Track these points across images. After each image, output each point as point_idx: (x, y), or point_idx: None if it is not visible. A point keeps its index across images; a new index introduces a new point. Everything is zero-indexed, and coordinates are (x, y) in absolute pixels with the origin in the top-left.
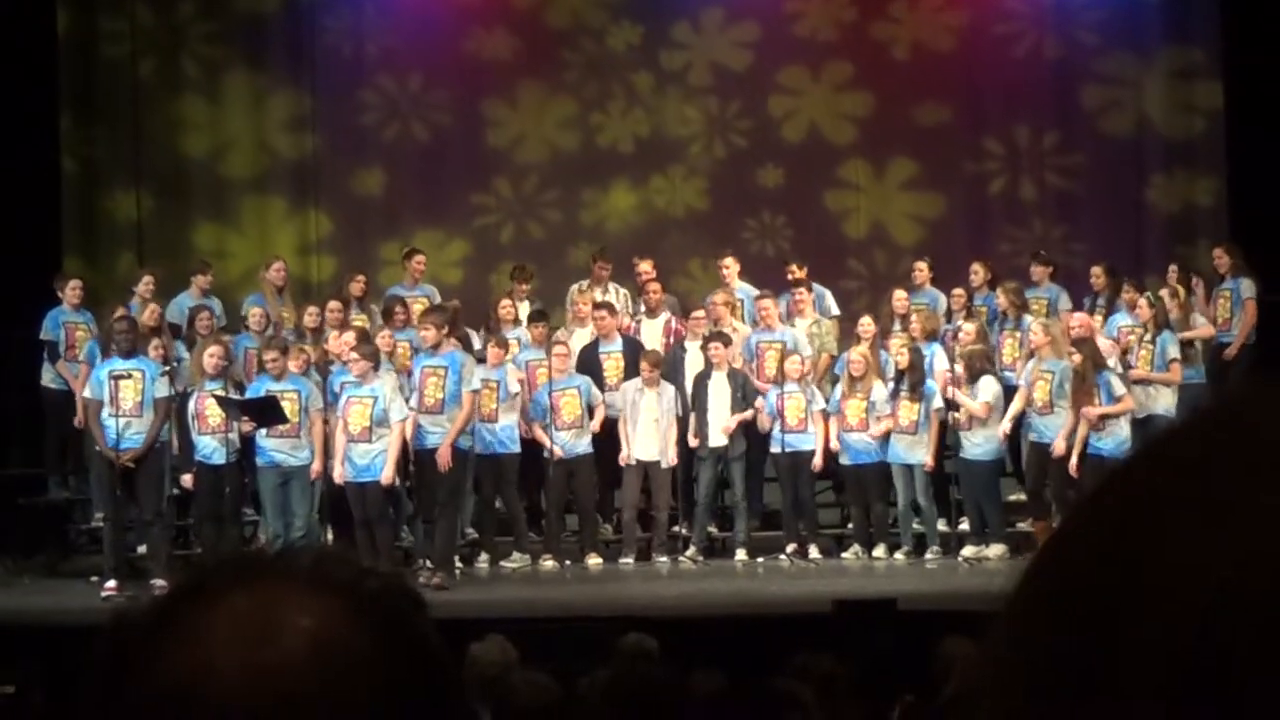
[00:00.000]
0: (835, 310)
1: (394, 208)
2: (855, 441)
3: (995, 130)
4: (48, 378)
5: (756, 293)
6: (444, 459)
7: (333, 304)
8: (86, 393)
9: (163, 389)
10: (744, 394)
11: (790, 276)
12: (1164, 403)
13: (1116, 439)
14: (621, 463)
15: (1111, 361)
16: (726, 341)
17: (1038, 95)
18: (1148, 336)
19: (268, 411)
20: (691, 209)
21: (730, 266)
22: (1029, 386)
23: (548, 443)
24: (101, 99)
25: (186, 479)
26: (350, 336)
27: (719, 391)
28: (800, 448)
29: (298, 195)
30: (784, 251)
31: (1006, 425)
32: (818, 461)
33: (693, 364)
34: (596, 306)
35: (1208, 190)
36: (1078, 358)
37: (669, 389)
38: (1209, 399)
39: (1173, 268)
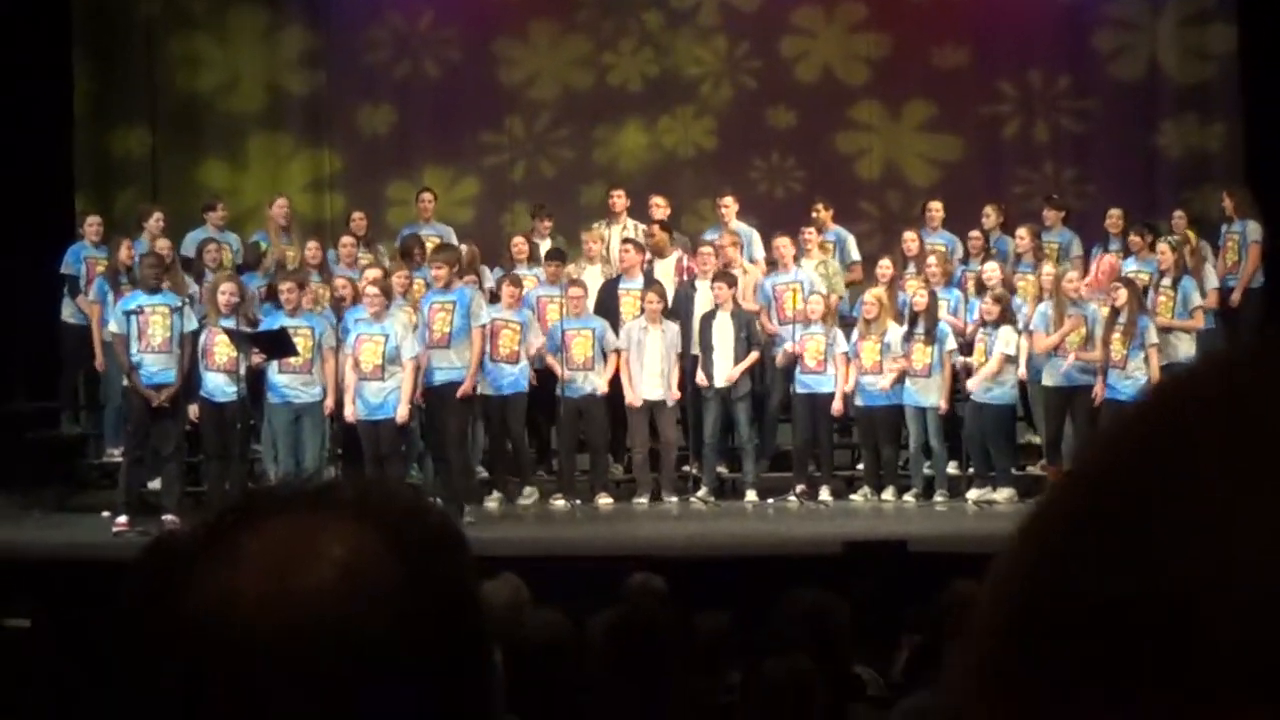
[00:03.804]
0: (856, 255)
1: (404, 145)
2: (869, 384)
3: (1009, 73)
4: (67, 312)
5: (752, 231)
6: (465, 392)
7: (346, 239)
8: (112, 328)
9: (190, 324)
10: (749, 334)
11: (815, 215)
12: (1184, 350)
13: (1136, 383)
14: (629, 405)
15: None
16: (731, 281)
17: (1051, 39)
18: (1167, 282)
19: (277, 344)
20: (701, 149)
21: (729, 206)
22: (1050, 330)
23: (560, 370)
24: (111, 36)
25: (192, 410)
26: (373, 274)
27: (723, 331)
28: (818, 389)
29: (308, 132)
30: (795, 193)
31: (1022, 371)
32: (837, 405)
33: (703, 302)
34: (624, 242)
35: (1220, 134)
36: (1123, 295)
37: (672, 327)
38: (1222, 345)
39: (1178, 214)
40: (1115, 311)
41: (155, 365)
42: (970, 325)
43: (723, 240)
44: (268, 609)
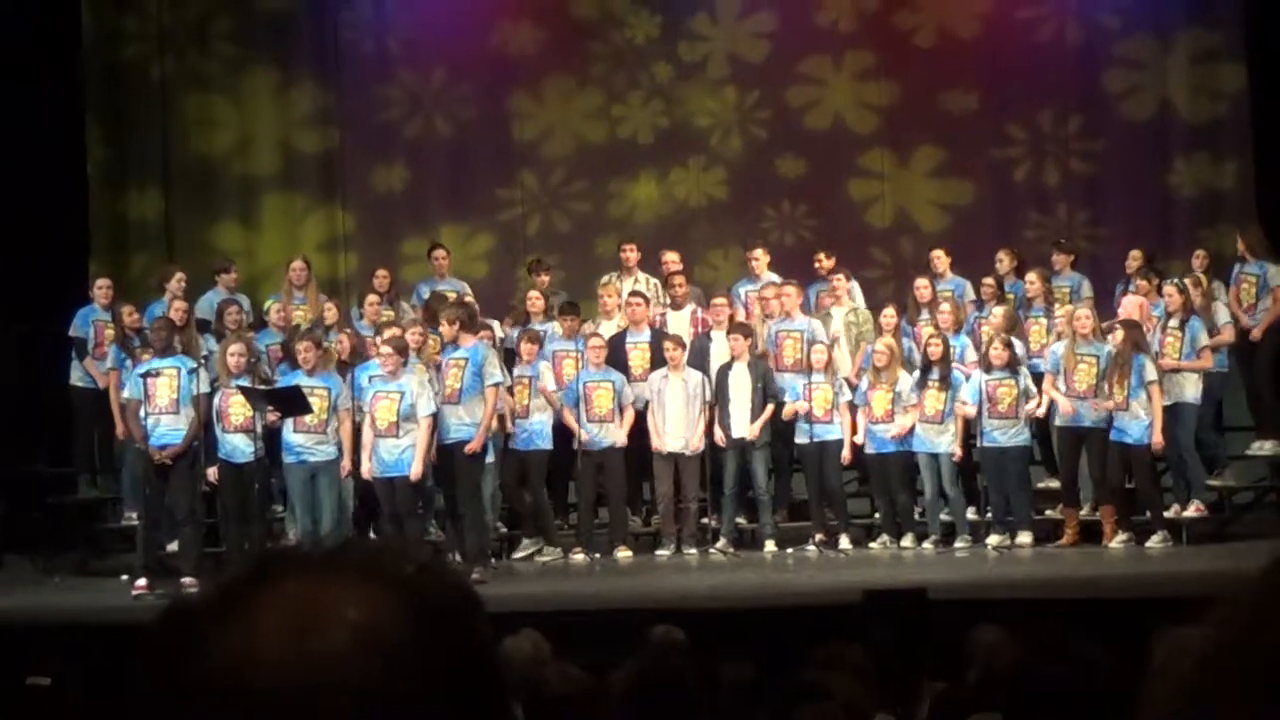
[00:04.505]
0: (862, 303)
1: (418, 202)
2: (880, 432)
3: (1019, 116)
4: (76, 375)
5: (778, 281)
6: (473, 449)
7: (372, 297)
8: (126, 393)
9: (202, 385)
10: (765, 384)
11: (818, 266)
12: (1190, 391)
13: (1141, 425)
14: (655, 450)
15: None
16: (747, 333)
17: (1061, 80)
18: (1174, 323)
19: (292, 402)
20: (713, 199)
21: (760, 258)
22: (1063, 372)
23: (577, 429)
24: (125, 98)
25: (211, 472)
26: (391, 332)
27: (740, 382)
28: (827, 438)
29: (321, 191)
30: (805, 241)
31: (1041, 410)
32: (846, 454)
33: (718, 353)
34: (631, 294)
35: (1232, 173)
36: (1119, 336)
37: (695, 375)
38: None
39: (1200, 253)
40: (1116, 353)
41: (163, 426)
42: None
43: (765, 291)
44: (284, 672)
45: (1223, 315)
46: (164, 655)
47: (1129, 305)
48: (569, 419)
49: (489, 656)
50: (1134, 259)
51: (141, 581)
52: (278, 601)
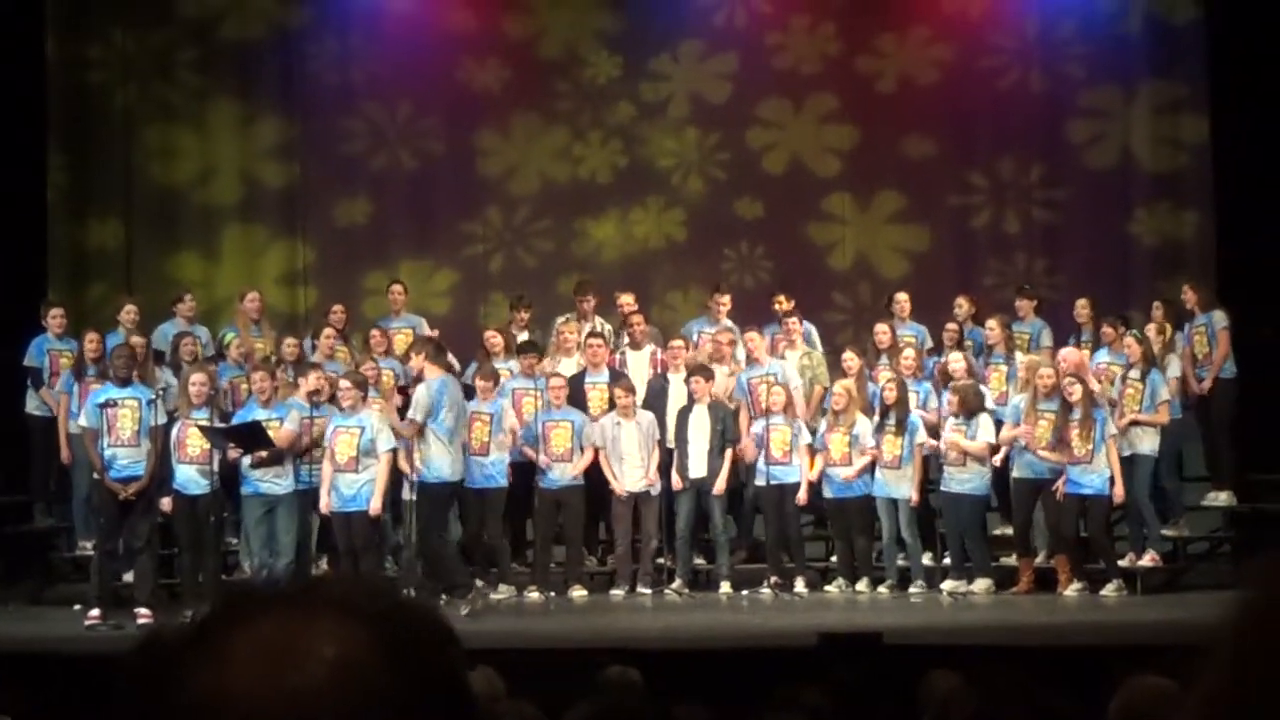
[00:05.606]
0: (819, 345)
1: (381, 237)
2: (838, 475)
3: (980, 163)
4: (32, 405)
5: (734, 327)
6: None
7: (328, 331)
8: (82, 421)
9: (159, 416)
10: (724, 427)
11: (778, 307)
12: (1148, 443)
13: (1101, 476)
14: (618, 493)
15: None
16: (708, 375)
17: (1023, 129)
18: (1135, 374)
19: (253, 438)
20: (672, 240)
21: (725, 303)
22: (1023, 423)
23: (540, 459)
24: (87, 126)
25: (165, 503)
26: (315, 379)
27: (699, 425)
28: (785, 480)
29: (282, 224)
30: (764, 283)
31: (997, 459)
32: (801, 496)
33: (675, 394)
34: (591, 336)
35: (1191, 224)
36: (1078, 390)
37: (646, 416)
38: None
39: (1158, 304)
40: (1070, 407)
41: (125, 459)
42: (937, 414)
43: (719, 335)
44: (261, 707)
45: (1173, 370)
46: (140, 689)
47: (1069, 357)
48: (529, 451)
49: (464, 691)
50: (1082, 308)
51: (94, 612)
52: (254, 637)
